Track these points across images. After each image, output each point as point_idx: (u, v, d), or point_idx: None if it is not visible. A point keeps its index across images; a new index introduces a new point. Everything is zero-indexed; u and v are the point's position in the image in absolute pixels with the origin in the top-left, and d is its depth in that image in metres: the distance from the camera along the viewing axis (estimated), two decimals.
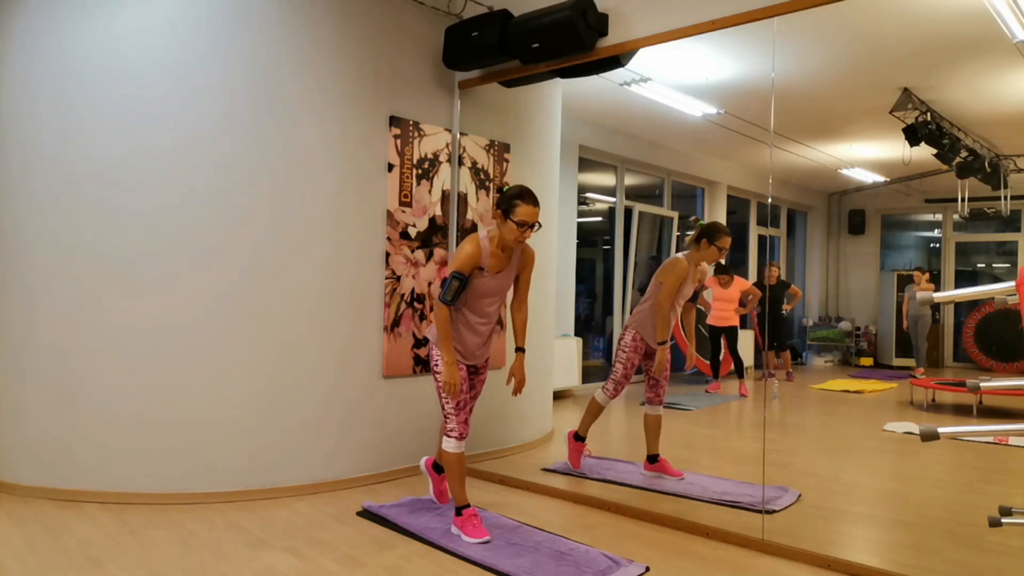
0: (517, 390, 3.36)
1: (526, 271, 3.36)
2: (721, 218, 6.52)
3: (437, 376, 3.23)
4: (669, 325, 3.92)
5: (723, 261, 3.86)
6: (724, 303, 5.64)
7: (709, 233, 3.88)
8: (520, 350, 3.37)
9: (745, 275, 6.70)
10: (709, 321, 5.72)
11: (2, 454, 3.71)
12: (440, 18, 4.34)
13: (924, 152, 5.20)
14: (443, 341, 3.13)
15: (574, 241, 6.06)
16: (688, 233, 6.54)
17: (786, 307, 6.30)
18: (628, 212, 6.26)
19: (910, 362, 6.41)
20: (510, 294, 3.40)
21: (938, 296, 2.50)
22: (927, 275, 6.48)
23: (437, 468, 3.64)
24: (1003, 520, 2.56)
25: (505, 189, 3.16)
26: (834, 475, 4.33)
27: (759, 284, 6.35)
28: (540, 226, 3.14)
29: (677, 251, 6.37)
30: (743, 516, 3.38)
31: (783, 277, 6.44)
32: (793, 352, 6.69)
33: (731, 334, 5.71)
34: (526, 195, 3.09)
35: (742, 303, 5.61)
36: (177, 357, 3.60)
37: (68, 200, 3.60)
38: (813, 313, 6.84)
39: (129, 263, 3.58)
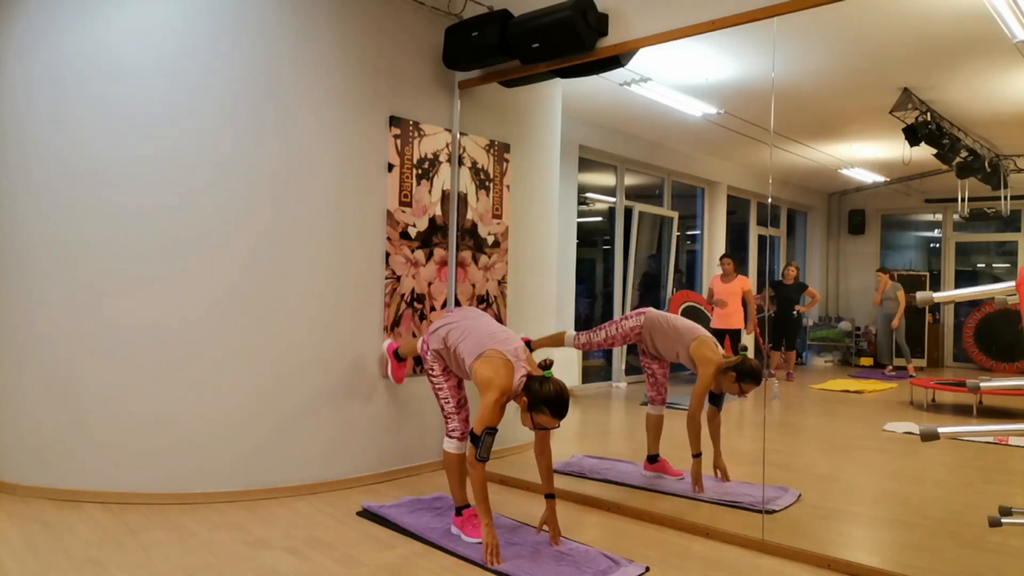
0: (554, 541, 3.11)
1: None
2: (721, 218, 6.51)
3: (432, 379, 3.27)
4: (700, 431, 3.84)
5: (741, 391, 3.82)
6: (727, 298, 5.60)
7: (742, 372, 3.70)
8: (550, 496, 3.15)
9: (746, 275, 6.68)
10: (713, 324, 5.68)
11: (2, 454, 3.71)
12: (440, 18, 4.33)
13: (924, 152, 5.19)
14: (481, 504, 2.95)
15: (574, 241, 6.05)
16: (688, 234, 6.54)
17: (799, 308, 6.28)
18: (628, 212, 6.25)
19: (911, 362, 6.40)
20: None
21: (938, 296, 2.50)
22: (888, 274, 6.45)
23: (397, 356, 3.96)
24: (1003, 520, 2.56)
25: (547, 374, 2.93)
26: (834, 475, 4.33)
27: (775, 283, 6.32)
28: (559, 426, 2.97)
29: (678, 252, 6.39)
30: (743, 516, 3.38)
31: (798, 278, 6.41)
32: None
33: (734, 336, 5.68)
34: (556, 408, 2.88)
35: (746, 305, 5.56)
36: (177, 357, 3.60)
37: (68, 199, 3.60)
38: (813, 313, 6.84)
39: (129, 263, 3.58)
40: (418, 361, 4.24)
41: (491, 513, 2.97)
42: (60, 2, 3.63)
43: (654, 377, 4.08)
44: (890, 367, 6.35)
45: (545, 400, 2.87)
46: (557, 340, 4.22)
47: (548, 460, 3.15)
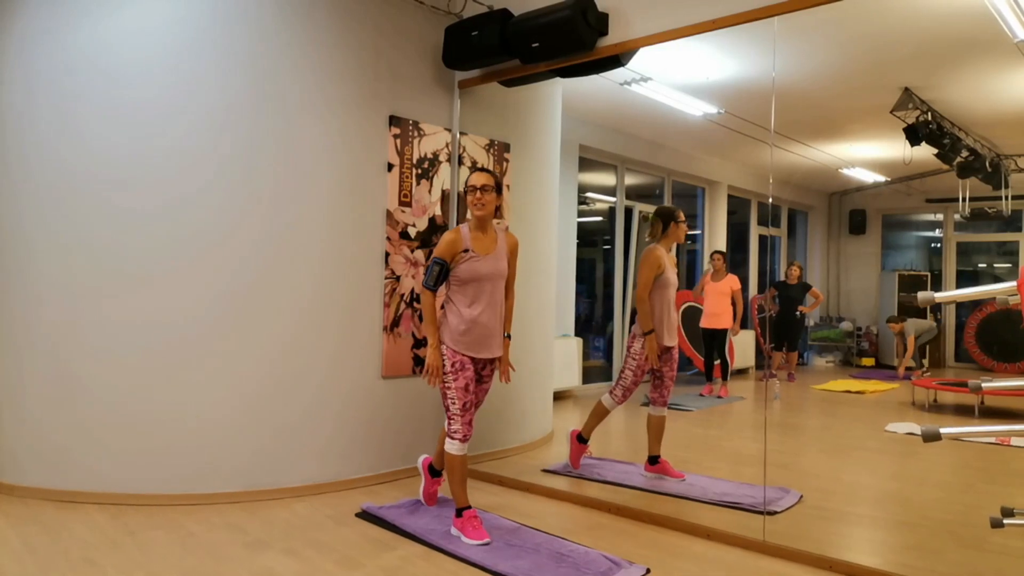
0: (504, 376, 3.38)
1: (512, 258, 3.38)
2: (722, 218, 6.51)
3: (445, 377, 3.22)
4: (663, 315, 3.95)
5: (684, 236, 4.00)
6: (716, 298, 5.57)
7: (665, 215, 3.98)
8: (506, 336, 3.39)
9: (747, 275, 6.69)
10: (701, 324, 5.66)
11: (1, 454, 3.70)
12: (440, 17, 4.33)
13: (925, 152, 5.19)
14: (428, 326, 3.22)
15: (574, 241, 6.04)
16: (689, 234, 6.53)
17: (803, 308, 6.27)
18: (628, 212, 6.25)
19: (910, 362, 6.40)
20: None
21: (939, 296, 2.49)
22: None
23: (432, 471, 3.61)
24: (1005, 521, 2.55)
25: None
26: (835, 476, 4.32)
27: (778, 283, 6.31)
28: (490, 190, 3.20)
29: (678, 252, 6.38)
30: (744, 517, 3.37)
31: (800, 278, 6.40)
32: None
33: (721, 336, 5.66)
34: (475, 169, 3.28)
35: (733, 302, 5.54)
36: (176, 357, 3.59)
37: (67, 199, 3.60)
38: (814, 313, 6.83)
39: (129, 263, 3.57)
40: (417, 361, 4.22)
41: (438, 336, 3.21)
42: (60, 2, 3.62)
43: (660, 379, 4.03)
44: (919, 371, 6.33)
45: (467, 180, 3.21)
46: (600, 412, 4.15)
47: (510, 303, 3.42)
